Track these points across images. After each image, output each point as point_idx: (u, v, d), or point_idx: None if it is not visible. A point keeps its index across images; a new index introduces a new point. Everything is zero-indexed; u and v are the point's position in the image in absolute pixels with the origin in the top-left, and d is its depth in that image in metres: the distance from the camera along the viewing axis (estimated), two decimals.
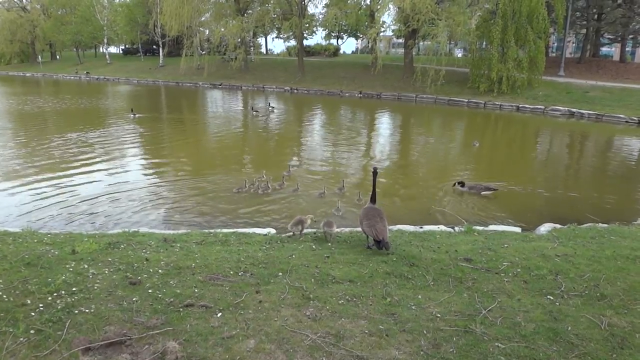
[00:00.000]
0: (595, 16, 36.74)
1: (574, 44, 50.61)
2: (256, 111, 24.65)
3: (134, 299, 4.26)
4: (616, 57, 43.41)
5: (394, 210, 9.02)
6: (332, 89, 37.68)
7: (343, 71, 41.86)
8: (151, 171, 12.12)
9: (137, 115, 22.33)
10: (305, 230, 6.68)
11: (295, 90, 39.16)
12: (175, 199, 9.64)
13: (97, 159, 13.22)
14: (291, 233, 6.59)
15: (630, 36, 38.18)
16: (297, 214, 7.87)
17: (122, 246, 5.72)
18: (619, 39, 38.18)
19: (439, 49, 32.69)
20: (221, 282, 4.71)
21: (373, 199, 6.30)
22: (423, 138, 18.75)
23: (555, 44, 49.79)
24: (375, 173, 6.49)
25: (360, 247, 5.95)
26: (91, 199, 9.43)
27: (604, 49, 47.00)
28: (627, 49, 41.28)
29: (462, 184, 10.41)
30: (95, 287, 4.45)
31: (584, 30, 38.87)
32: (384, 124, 23.62)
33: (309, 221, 6.65)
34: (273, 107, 26.94)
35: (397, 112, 28.11)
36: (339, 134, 18.96)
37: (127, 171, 11.94)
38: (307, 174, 11.87)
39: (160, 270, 4.92)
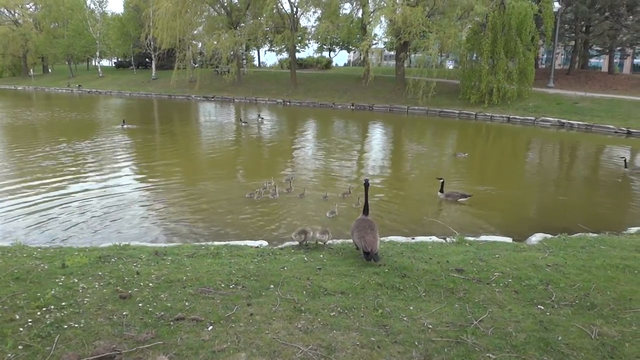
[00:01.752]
0: (584, 28, 37.52)
1: (563, 56, 51.55)
2: (245, 122, 24.82)
3: (124, 313, 4.23)
4: (605, 69, 44.26)
5: (386, 222, 9.06)
6: (325, 101, 37.93)
7: (335, 83, 42.21)
8: (142, 184, 12.09)
9: (127, 126, 22.37)
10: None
11: (288, 103, 39.36)
12: (166, 210, 9.63)
13: (88, 171, 13.18)
14: (297, 243, 6.69)
15: (618, 48, 39.00)
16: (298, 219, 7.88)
17: (112, 260, 5.69)
18: (607, 50, 38.95)
19: (430, 61, 33.16)
20: (212, 295, 4.70)
21: (365, 211, 6.39)
22: (415, 149, 18.92)
23: (545, 56, 50.70)
24: (367, 185, 6.58)
25: (353, 259, 5.96)
26: (81, 211, 9.38)
27: (593, 61, 47.88)
28: (615, 60, 42.07)
29: (441, 179, 10.96)
30: (85, 302, 4.42)
31: (573, 42, 39.63)
32: (377, 135, 23.81)
33: (312, 233, 6.68)
34: (263, 118, 27.13)
35: (389, 124, 28.33)
36: (331, 145, 19.09)
37: (118, 184, 11.91)
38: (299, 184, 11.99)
39: (150, 284, 4.90)
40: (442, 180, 11.00)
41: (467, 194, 10.79)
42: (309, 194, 10.96)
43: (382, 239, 7.13)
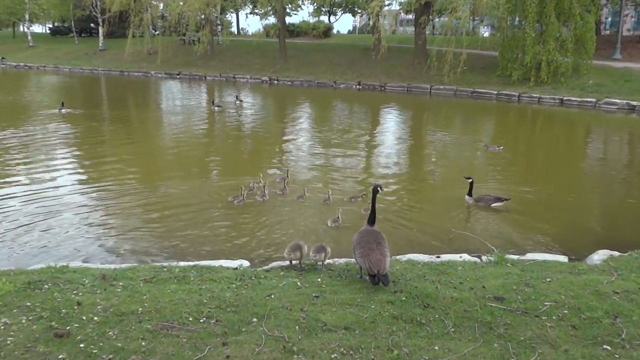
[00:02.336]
0: None
1: (633, 19, 51.49)
2: (218, 106, 24.88)
3: (60, 357, 4.19)
4: None
5: (403, 235, 9.06)
6: (323, 79, 37.99)
7: (337, 56, 42.27)
8: (85, 185, 12.05)
9: (65, 111, 22.31)
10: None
11: (276, 81, 39.40)
12: (117, 221, 9.59)
13: (14, 169, 13.14)
14: (288, 262, 6.69)
15: None
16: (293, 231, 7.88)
17: (45, 286, 5.65)
18: None
19: (459, 27, 33.21)
20: (177, 332, 4.67)
21: (371, 220, 6.42)
22: (440, 141, 18.96)
23: (609, 19, 50.68)
24: (375, 191, 6.62)
25: (359, 283, 5.95)
26: (3, 222, 9.31)
27: None
28: None
29: (469, 178, 11.03)
30: (9, 342, 4.38)
31: None
32: (390, 123, 23.85)
33: (306, 249, 6.68)
34: (242, 101, 27.17)
35: (407, 109, 28.35)
36: (332, 136, 19.12)
37: (54, 186, 11.85)
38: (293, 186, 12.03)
39: (96, 318, 4.87)
40: (470, 181, 11.05)
41: (503, 196, 10.87)
42: (308, 196, 11.04)
43: (398, 257, 7.14)
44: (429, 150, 17.64)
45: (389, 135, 20.48)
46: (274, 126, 22.12)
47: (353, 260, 6.57)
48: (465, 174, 11.57)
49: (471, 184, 11.02)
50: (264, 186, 11.11)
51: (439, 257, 7.17)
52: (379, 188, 6.69)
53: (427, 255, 7.23)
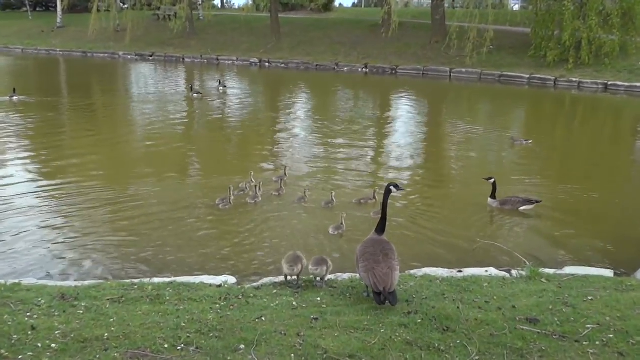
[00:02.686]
0: None
1: None
2: (198, 93, 24.86)
3: None
4: None
5: (417, 245, 9.05)
6: (323, 61, 37.96)
7: (339, 34, 42.24)
8: (41, 185, 12.03)
9: (17, 98, 22.26)
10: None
11: (267, 64, 39.38)
12: (78, 229, 9.56)
13: None
14: (283, 278, 6.68)
15: None
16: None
17: None
18: None
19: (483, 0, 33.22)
20: None
21: (380, 228, 6.39)
22: (461, 135, 18.92)
23: None
24: (388, 192, 6.56)
25: (367, 303, 5.93)
26: None
27: None
28: None
29: (491, 178, 11.09)
30: None
31: None
32: (403, 113, 23.78)
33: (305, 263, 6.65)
34: (226, 87, 27.14)
35: (423, 96, 28.31)
36: (335, 128, 19.14)
37: (2, 185, 11.84)
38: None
39: (53, 345, 4.84)
40: (492, 181, 11.08)
41: (533, 198, 10.88)
42: (309, 197, 11.08)
43: (413, 272, 7.14)
44: (448, 144, 17.64)
45: (401, 127, 20.47)
46: (265, 116, 22.09)
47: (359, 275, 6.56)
48: (487, 173, 11.57)
49: (494, 184, 11.04)
50: (256, 186, 11.15)
51: (460, 271, 7.15)
52: (392, 187, 6.60)
53: (446, 270, 7.21)
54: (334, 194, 10.90)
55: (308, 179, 12.86)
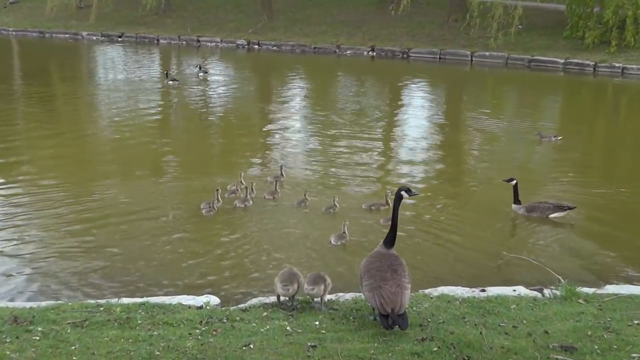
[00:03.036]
0: None
1: None
2: (174, 80, 24.79)
3: None
4: None
5: (433, 260, 9.04)
6: (323, 43, 37.82)
7: (341, 11, 42.13)
8: None
9: None
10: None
11: (257, 46, 39.22)
12: (34, 240, 9.53)
13: None
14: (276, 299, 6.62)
15: None
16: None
17: None
18: None
19: None
20: None
21: (389, 240, 6.33)
22: (484, 130, 18.83)
23: None
24: (400, 198, 6.50)
25: (374, 328, 5.90)
26: None
27: None
28: None
29: (511, 180, 11.11)
30: None
31: None
32: (416, 103, 23.71)
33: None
34: (207, 73, 27.09)
35: (439, 84, 28.29)
36: (337, 121, 19.11)
37: None
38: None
39: None
40: (513, 183, 11.11)
41: (565, 204, 10.87)
42: (310, 201, 11.09)
43: (428, 291, 7.11)
44: (469, 141, 17.62)
45: (414, 120, 20.41)
46: (254, 107, 22.06)
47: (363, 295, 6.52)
48: (510, 174, 11.55)
49: (515, 187, 11.04)
50: (246, 188, 11.15)
51: (484, 290, 7.13)
52: (404, 192, 6.55)
53: (467, 289, 7.19)
54: (337, 198, 10.87)
55: (307, 180, 12.86)
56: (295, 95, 25.07)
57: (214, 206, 10.62)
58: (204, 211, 10.53)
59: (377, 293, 5.72)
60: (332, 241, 9.36)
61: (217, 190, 10.80)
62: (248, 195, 11.00)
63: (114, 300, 6.82)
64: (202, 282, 8.26)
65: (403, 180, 12.91)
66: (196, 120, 19.67)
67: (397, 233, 6.48)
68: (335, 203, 10.74)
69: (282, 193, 11.51)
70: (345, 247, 9.33)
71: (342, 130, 17.78)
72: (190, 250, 9.28)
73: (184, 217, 10.54)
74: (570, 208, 10.73)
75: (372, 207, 10.92)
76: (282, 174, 12.32)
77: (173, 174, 13.70)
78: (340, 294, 6.98)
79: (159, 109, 21.43)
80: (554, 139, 16.42)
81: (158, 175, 13.49)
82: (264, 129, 18.14)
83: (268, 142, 16.70)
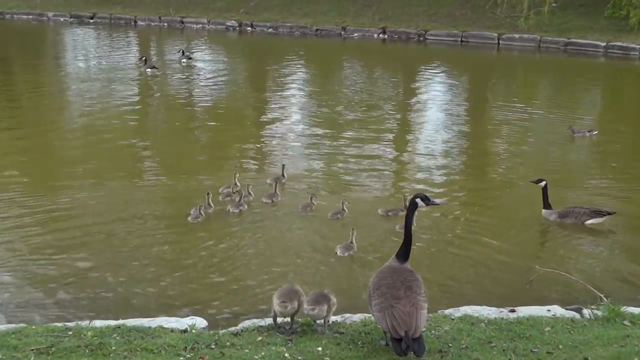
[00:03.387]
0: None
1: None
2: (153, 67, 24.79)
3: None
4: None
5: (455, 275, 9.04)
6: (325, 24, 37.82)
7: None
8: None
9: None
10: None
11: (249, 28, 39.24)
12: None
13: None
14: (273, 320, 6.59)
15: None
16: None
17: None
18: None
19: None
20: None
21: (402, 252, 6.24)
22: (513, 123, 18.88)
23: None
24: (414, 206, 6.43)
25: (387, 355, 5.89)
26: None
27: None
28: None
29: (540, 181, 11.13)
30: None
31: None
32: (435, 96, 23.64)
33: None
34: (191, 59, 27.10)
35: (461, 71, 28.23)
36: (344, 116, 19.15)
37: None
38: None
39: None
40: (543, 184, 11.11)
41: (603, 209, 10.86)
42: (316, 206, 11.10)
43: (449, 311, 7.09)
44: (494, 136, 17.64)
45: (433, 113, 20.44)
46: (247, 99, 22.05)
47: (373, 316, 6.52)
48: (540, 174, 11.54)
49: (544, 190, 11.05)
50: (239, 191, 11.22)
51: (513, 310, 7.10)
52: (419, 200, 6.40)
53: (494, 309, 7.17)
54: (346, 203, 10.89)
55: (311, 181, 12.92)
56: (296, 84, 25.06)
57: (201, 212, 10.60)
58: (189, 218, 10.53)
59: (389, 313, 5.65)
60: (337, 252, 9.36)
61: (208, 194, 10.82)
62: (242, 199, 11.02)
63: (84, 323, 6.79)
64: (187, 301, 8.23)
65: (420, 183, 12.97)
66: (180, 113, 19.61)
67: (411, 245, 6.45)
68: (344, 208, 10.77)
69: (282, 196, 11.53)
70: (353, 259, 9.34)
71: (351, 125, 17.84)
72: (173, 264, 9.26)
73: (166, 225, 10.53)
74: (609, 213, 10.71)
75: (390, 213, 10.93)
76: (283, 174, 12.36)
77: (154, 175, 13.69)
78: (347, 314, 6.95)
79: (137, 100, 21.49)
80: (588, 134, 16.44)
81: (136, 176, 13.47)
82: (259, 124, 18.17)
83: (265, 138, 16.72)
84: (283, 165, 12.72)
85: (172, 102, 21.27)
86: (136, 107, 20.63)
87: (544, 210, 11.08)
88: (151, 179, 13.41)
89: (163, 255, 9.59)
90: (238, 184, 11.64)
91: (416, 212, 6.59)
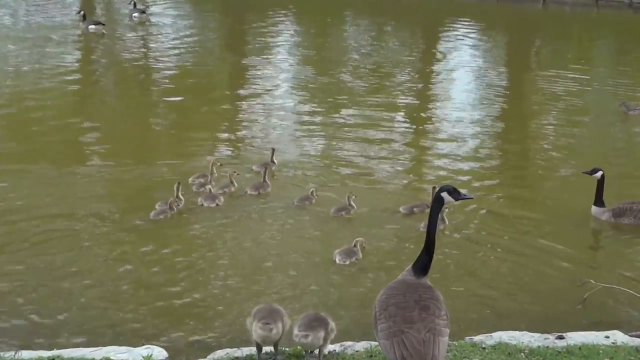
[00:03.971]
0: None
1: None
2: (97, 24, 24.71)
3: None
4: None
5: (486, 291, 9.04)
6: None
7: None
8: None
9: None
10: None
11: None
12: None
13: None
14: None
15: None
16: None
17: None
18: None
19: None
20: None
21: (421, 264, 6.03)
22: (559, 97, 18.95)
23: None
24: (439, 203, 6.28)
25: None
26: None
27: None
28: None
29: (596, 171, 11.16)
30: None
31: None
32: (463, 61, 23.78)
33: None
34: (145, 13, 27.12)
35: (496, 30, 28.37)
36: (348, 85, 19.28)
37: None
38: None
39: None
40: (599, 175, 11.14)
41: None
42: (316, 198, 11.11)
43: (478, 338, 7.09)
44: (535, 114, 17.76)
45: (459, 84, 20.58)
46: (223, 64, 22.09)
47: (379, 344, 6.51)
48: (592, 162, 11.57)
49: (600, 182, 11.10)
50: (224, 177, 11.28)
51: (561, 337, 7.12)
52: (445, 195, 6.16)
53: (537, 335, 7.17)
54: (354, 197, 10.87)
55: (307, 169, 12.95)
56: (284, 45, 25.15)
57: (170, 205, 10.51)
58: (152, 214, 10.43)
59: (398, 341, 5.50)
60: (336, 260, 9.32)
61: (177, 184, 10.76)
62: (224, 190, 11.02)
63: (8, 355, 6.80)
64: (142, 325, 8.19)
65: (445, 172, 12.99)
66: (133, 84, 19.62)
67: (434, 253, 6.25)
68: (352, 202, 10.76)
69: (272, 187, 11.48)
70: (356, 268, 9.27)
71: (357, 98, 17.79)
72: (126, 277, 9.18)
73: (118, 225, 10.41)
74: None
75: (415, 209, 10.86)
76: (272, 159, 12.33)
77: (100, 161, 13.52)
78: (348, 343, 6.91)
79: (77, 66, 21.38)
80: (634, 111, 16.58)
81: (76, 162, 13.38)
82: (241, 96, 18.16)
83: (248, 115, 16.72)
84: (273, 149, 12.67)
85: (121, 67, 21.29)
86: (76, 75, 20.60)
87: (594, 208, 11.15)
88: (96, 166, 13.20)
89: (112, 265, 9.48)
90: (215, 171, 11.59)
91: (445, 209, 6.53)
